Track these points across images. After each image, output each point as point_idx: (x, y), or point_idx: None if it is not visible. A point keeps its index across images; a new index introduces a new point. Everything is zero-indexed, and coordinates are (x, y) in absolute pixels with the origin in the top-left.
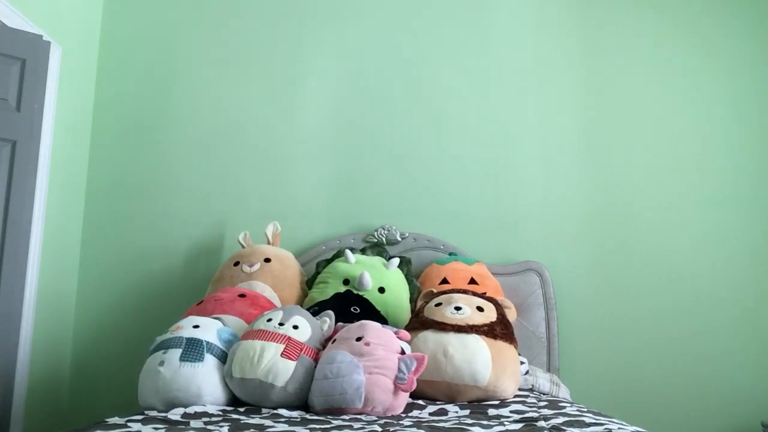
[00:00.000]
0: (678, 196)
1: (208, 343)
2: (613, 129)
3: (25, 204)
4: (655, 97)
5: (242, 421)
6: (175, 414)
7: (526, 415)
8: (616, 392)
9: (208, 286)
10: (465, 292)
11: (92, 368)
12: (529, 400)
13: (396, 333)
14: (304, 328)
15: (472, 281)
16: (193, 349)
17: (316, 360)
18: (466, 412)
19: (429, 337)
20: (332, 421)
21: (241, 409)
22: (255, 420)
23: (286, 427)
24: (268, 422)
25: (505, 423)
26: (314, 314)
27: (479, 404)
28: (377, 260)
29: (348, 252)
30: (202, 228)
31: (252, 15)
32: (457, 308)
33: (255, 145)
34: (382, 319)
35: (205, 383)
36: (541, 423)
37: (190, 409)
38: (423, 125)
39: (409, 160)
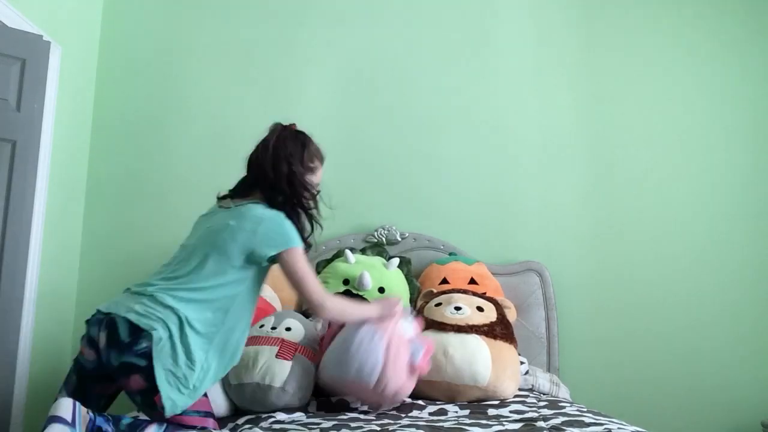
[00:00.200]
0: (679, 196)
1: None
2: (613, 129)
3: (25, 204)
4: (657, 98)
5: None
6: None
7: (526, 415)
8: (616, 392)
9: None
10: (465, 292)
11: None
12: (528, 400)
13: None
14: (297, 330)
15: (472, 281)
16: None
17: (312, 360)
18: (466, 412)
19: (429, 337)
20: (329, 421)
21: (240, 421)
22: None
23: (285, 426)
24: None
25: (505, 423)
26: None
27: (479, 404)
28: (377, 260)
29: (348, 252)
30: None
31: (252, 15)
32: (457, 308)
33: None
34: None
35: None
36: (541, 423)
37: None
38: (423, 125)
39: (409, 161)
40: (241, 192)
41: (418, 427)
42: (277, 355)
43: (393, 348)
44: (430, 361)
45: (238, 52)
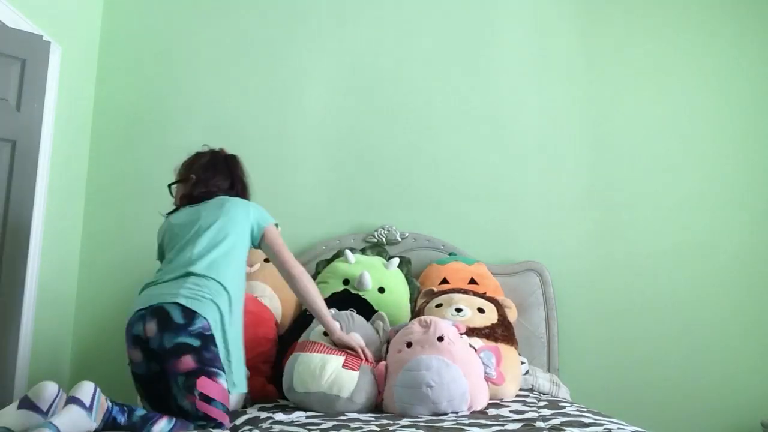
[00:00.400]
0: (679, 196)
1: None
2: (613, 129)
3: (25, 204)
4: (657, 98)
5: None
6: None
7: (526, 415)
8: (616, 392)
9: None
10: (465, 292)
11: (92, 368)
12: (529, 400)
13: (453, 324)
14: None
15: (472, 281)
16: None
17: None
18: (467, 412)
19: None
20: (329, 422)
21: (239, 422)
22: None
23: (282, 426)
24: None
25: (505, 423)
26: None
27: None
28: (377, 260)
29: (348, 252)
30: None
31: (252, 16)
32: (458, 309)
33: (255, 145)
34: None
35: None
36: (540, 423)
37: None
38: (423, 125)
39: (409, 161)
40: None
41: (417, 427)
42: (344, 366)
43: (470, 368)
44: (502, 374)
45: (237, 52)
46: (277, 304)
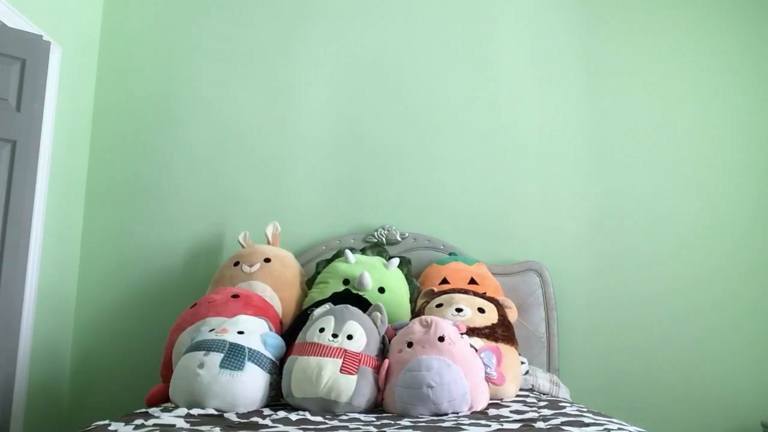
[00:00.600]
0: (678, 196)
1: (250, 350)
2: (613, 129)
3: (25, 204)
4: (658, 98)
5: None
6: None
7: (526, 415)
8: (616, 392)
9: (208, 286)
10: (466, 292)
11: (92, 368)
12: (529, 400)
13: (454, 324)
14: (359, 337)
15: (472, 281)
16: (234, 357)
17: (375, 368)
18: (467, 412)
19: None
20: (328, 422)
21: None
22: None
23: (281, 426)
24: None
25: (504, 423)
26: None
27: None
28: (377, 260)
29: (348, 252)
30: (202, 228)
31: (251, 16)
32: (458, 309)
33: (255, 145)
34: None
35: (240, 393)
36: (540, 424)
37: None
38: (423, 125)
39: (409, 160)
40: None
41: (417, 427)
42: (341, 370)
43: (470, 368)
44: (503, 374)
45: (238, 52)
46: (277, 303)
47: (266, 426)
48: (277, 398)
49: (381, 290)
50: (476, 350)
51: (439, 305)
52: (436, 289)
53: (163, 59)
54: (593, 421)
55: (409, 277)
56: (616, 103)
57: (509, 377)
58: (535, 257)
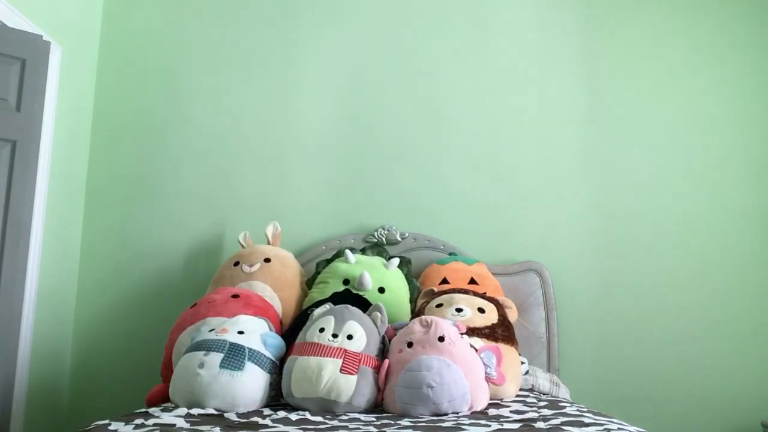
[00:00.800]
0: (678, 196)
1: (250, 350)
2: (613, 129)
3: (25, 204)
4: (656, 97)
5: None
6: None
7: (526, 415)
8: (616, 392)
9: (208, 286)
10: (466, 292)
11: (92, 368)
12: (529, 400)
13: (454, 324)
14: (359, 337)
15: (472, 281)
16: (234, 357)
17: (375, 368)
18: (467, 412)
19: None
20: (328, 422)
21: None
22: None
23: (281, 426)
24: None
25: (504, 423)
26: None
27: None
28: (377, 260)
29: (348, 252)
30: (202, 228)
31: (251, 15)
32: (458, 309)
33: (255, 145)
34: None
35: (240, 393)
36: (540, 424)
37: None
38: (423, 125)
39: (409, 160)
40: None
41: (417, 427)
42: (341, 370)
43: (470, 369)
44: (503, 374)
45: (238, 52)
46: (277, 303)
47: (266, 426)
48: (277, 398)
49: (381, 290)
50: (476, 350)
51: (439, 305)
52: (436, 289)
53: (163, 59)
54: (593, 421)
55: (409, 277)
56: (616, 104)
57: (509, 377)
58: (535, 257)
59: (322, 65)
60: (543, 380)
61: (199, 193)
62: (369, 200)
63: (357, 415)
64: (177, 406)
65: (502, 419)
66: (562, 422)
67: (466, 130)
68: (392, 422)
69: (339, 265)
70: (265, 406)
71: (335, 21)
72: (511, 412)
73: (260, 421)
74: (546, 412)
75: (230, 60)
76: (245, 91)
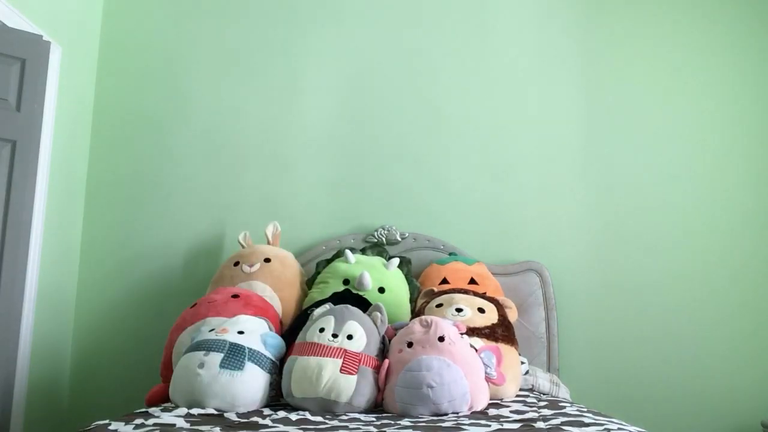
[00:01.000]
0: (678, 196)
1: (250, 350)
2: (613, 129)
3: (25, 204)
4: (656, 97)
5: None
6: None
7: (526, 415)
8: (616, 392)
9: (208, 286)
10: (466, 292)
11: (92, 368)
12: (529, 400)
13: (454, 324)
14: (359, 337)
15: (472, 281)
16: (234, 357)
17: (375, 368)
18: (467, 412)
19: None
20: (328, 422)
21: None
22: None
23: (281, 426)
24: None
25: (504, 423)
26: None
27: None
28: (377, 260)
29: (348, 252)
30: (202, 228)
31: (252, 14)
32: (458, 309)
33: (255, 145)
34: None
35: (240, 393)
36: (540, 424)
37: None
38: (423, 125)
39: (409, 160)
40: None
41: (417, 427)
42: (341, 370)
43: (470, 369)
44: (503, 374)
45: (238, 52)
46: (277, 303)
47: (266, 426)
48: (277, 398)
49: (381, 290)
50: (476, 350)
51: (439, 305)
52: (436, 289)
53: (163, 59)
54: (593, 421)
55: (409, 277)
56: (616, 104)
57: (509, 377)
58: (535, 257)
59: (322, 65)
60: (543, 380)
61: (199, 193)
62: (369, 200)
63: (357, 415)
64: (177, 406)
65: (502, 419)
66: (562, 422)
67: (467, 130)
68: (392, 422)
69: (339, 265)
70: (265, 406)
71: (336, 21)
72: (511, 412)
73: (260, 421)
74: (546, 412)
75: (230, 60)
76: (245, 90)
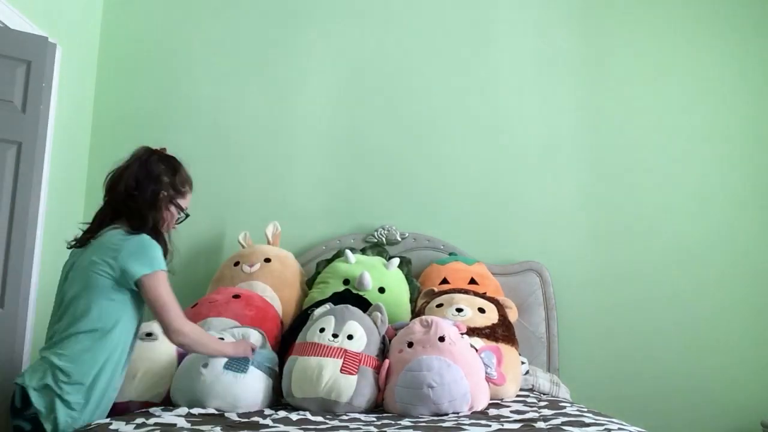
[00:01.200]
0: (678, 197)
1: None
2: (613, 129)
3: (30, 204)
4: (656, 97)
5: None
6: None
7: (526, 415)
8: (616, 392)
9: (208, 286)
10: (466, 292)
11: None
12: (529, 400)
13: (454, 324)
14: (360, 337)
15: (472, 281)
16: (239, 359)
17: (375, 368)
18: (467, 412)
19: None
20: (329, 422)
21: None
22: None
23: (281, 426)
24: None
25: (505, 423)
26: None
27: None
28: (377, 260)
29: (348, 252)
30: (202, 228)
31: (251, 15)
32: (459, 309)
33: (255, 146)
34: None
35: (242, 394)
36: (540, 424)
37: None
38: (423, 125)
39: (409, 160)
40: (97, 226)
41: (417, 427)
42: (341, 370)
43: (471, 369)
44: (503, 374)
45: (238, 51)
46: (277, 303)
47: (267, 426)
48: (277, 400)
49: (381, 290)
50: (477, 350)
51: (440, 305)
52: (436, 289)
53: (162, 60)
54: (593, 421)
55: (409, 277)
56: (617, 103)
57: (509, 377)
58: (535, 257)
59: (322, 66)
60: (543, 380)
61: (199, 192)
62: (369, 200)
63: (357, 415)
64: (178, 406)
65: (502, 419)
66: (562, 422)
67: (467, 130)
68: (393, 422)
69: (339, 265)
70: (266, 407)
71: (335, 22)
72: (511, 412)
73: (261, 420)
74: (546, 412)
75: (230, 60)
76: (246, 91)
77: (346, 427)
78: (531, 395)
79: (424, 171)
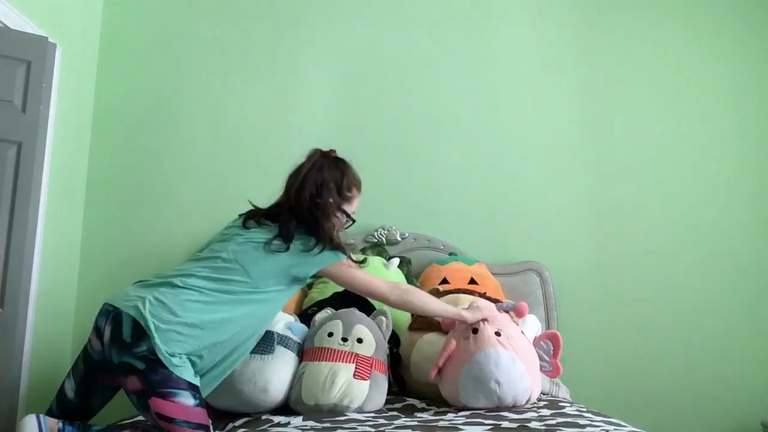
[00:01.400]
0: (679, 196)
1: (279, 335)
2: (613, 130)
3: (30, 205)
4: (656, 99)
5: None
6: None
7: (525, 415)
8: (615, 392)
9: None
10: (471, 292)
11: None
12: None
13: (508, 311)
14: (368, 341)
15: (472, 281)
16: (263, 341)
17: (383, 371)
18: (466, 411)
19: (435, 340)
20: (324, 422)
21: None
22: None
23: (282, 426)
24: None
25: (502, 423)
26: (313, 314)
27: None
28: (377, 260)
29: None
30: (202, 228)
31: (252, 16)
32: None
33: (255, 145)
34: None
35: (273, 377)
36: (539, 424)
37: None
38: (423, 125)
39: (409, 160)
40: (273, 214)
41: (414, 427)
42: (354, 375)
43: (531, 364)
44: (559, 365)
45: (238, 51)
46: None
47: (268, 421)
48: None
49: None
50: (536, 338)
51: None
52: (441, 289)
53: (163, 59)
54: (593, 421)
55: (409, 277)
56: (616, 104)
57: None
58: (535, 257)
59: (321, 65)
60: (543, 380)
61: (199, 192)
62: (369, 200)
63: (354, 415)
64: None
65: (500, 419)
66: (561, 422)
67: (466, 130)
68: (388, 422)
69: None
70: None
71: (335, 22)
72: (509, 411)
73: (261, 418)
74: (545, 412)
75: (230, 60)
76: (246, 90)
77: (342, 427)
78: None
79: (424, 171)
